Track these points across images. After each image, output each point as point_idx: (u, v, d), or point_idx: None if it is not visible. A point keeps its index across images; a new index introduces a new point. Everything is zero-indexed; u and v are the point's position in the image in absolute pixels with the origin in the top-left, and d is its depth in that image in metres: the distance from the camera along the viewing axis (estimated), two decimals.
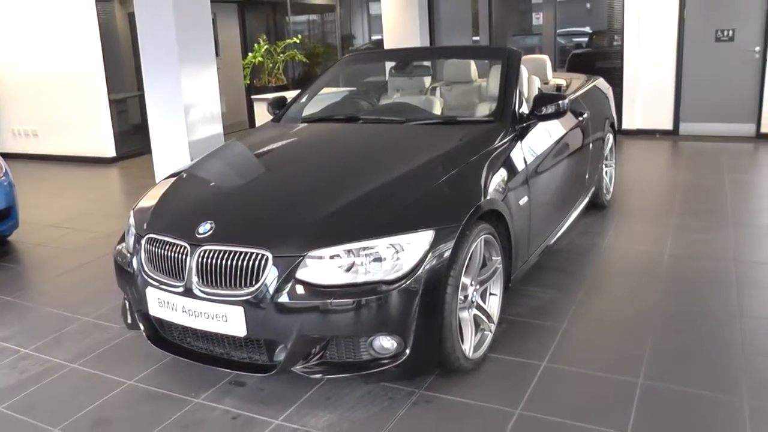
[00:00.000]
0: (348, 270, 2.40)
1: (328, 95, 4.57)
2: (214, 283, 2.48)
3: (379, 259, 2.41)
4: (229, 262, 2.46)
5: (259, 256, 2.43)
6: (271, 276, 2.40)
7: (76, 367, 3.03)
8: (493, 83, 3.80)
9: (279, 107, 4.20)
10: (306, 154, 3.47)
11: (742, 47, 7.65)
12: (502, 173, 3.04)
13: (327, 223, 2.56)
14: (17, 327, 3.52)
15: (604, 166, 4.99)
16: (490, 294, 2.95)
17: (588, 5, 9.53)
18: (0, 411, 2.69)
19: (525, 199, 3.18)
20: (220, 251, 2.49)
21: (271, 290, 2.39)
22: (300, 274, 2.40)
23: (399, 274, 2.40)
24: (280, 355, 2.49)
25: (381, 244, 2.42)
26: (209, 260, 2.49)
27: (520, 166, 3.21)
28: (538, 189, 3.38)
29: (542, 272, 3.78)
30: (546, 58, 4.73)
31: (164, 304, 2.60)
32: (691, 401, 2.49)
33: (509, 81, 3.57)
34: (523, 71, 3.77)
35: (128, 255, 2.87)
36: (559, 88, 4.73)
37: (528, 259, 3.35)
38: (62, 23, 8.37)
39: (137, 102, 8.88)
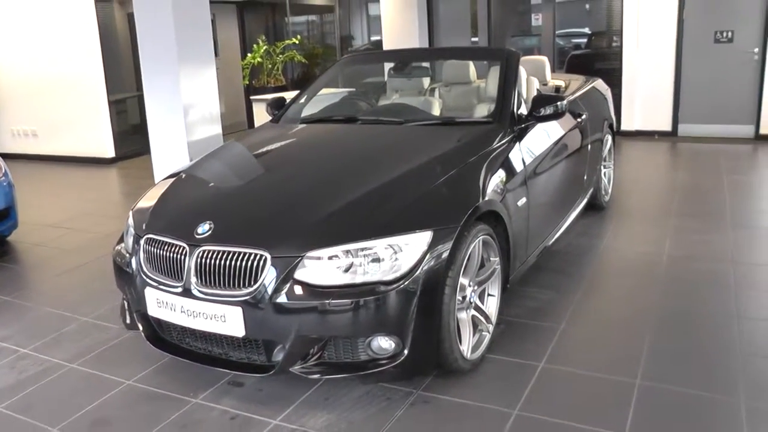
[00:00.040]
0: (346, 270, 2.41)
1: (327, 96, 4.57)
2: (212, 284, 2.49)
3: (377, 260, 2.41)
4: (227, 262, 2.47)
5: (258, 257, 2.43)
6: (269, 276, 2.40)
7: (75, 367, 3.03)
8: (491, 84, 3.81)
9: (278, 108, 4.20)
10: (305, 154, 3.47)
11: (741, 49, 7.65)
12: (501, 174, 3.04)
13: (325, 223, 2.56)
14: (16, 327, 3.52)
15: (602, 167, 4.99)
16: (489, 295, 2.95)
17: (587, 6, 9.51)
18: None
19: (523, 200, 3.18)
20: (218, 252, 2.49)
21: (270, 291, 2.40)
22: (298, 274, 2.41)
23: (397, 274, 2.40)
24: (279, 356, 2.49)
25: (379, 245, 2.43)
26: (208, 261, 2.50)
27: (518, 167, 3.21)
28: (537, 190, 3.38)
29: (540, 273, 3.78)
30: (545, 59, 4.73)
31: (163, 304, 2.60)
32: (688, 402, 2.50)
33: (508, 82, 3.58)
34: (522, 72, 3.78)
35: (127, 255, 2.87)
36: (557, 89, 4.73)
37: (526, 260, 3.35)
38: (62, 24, 8.37)
39: (136, 102, 8.88)
